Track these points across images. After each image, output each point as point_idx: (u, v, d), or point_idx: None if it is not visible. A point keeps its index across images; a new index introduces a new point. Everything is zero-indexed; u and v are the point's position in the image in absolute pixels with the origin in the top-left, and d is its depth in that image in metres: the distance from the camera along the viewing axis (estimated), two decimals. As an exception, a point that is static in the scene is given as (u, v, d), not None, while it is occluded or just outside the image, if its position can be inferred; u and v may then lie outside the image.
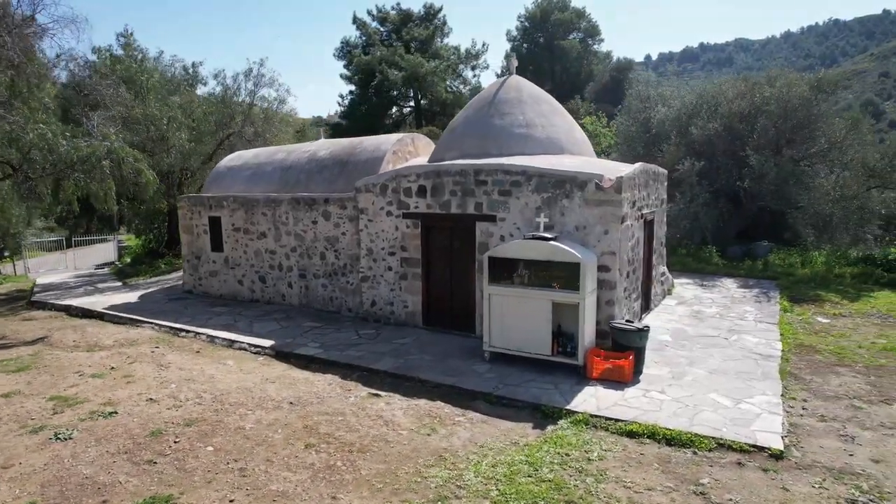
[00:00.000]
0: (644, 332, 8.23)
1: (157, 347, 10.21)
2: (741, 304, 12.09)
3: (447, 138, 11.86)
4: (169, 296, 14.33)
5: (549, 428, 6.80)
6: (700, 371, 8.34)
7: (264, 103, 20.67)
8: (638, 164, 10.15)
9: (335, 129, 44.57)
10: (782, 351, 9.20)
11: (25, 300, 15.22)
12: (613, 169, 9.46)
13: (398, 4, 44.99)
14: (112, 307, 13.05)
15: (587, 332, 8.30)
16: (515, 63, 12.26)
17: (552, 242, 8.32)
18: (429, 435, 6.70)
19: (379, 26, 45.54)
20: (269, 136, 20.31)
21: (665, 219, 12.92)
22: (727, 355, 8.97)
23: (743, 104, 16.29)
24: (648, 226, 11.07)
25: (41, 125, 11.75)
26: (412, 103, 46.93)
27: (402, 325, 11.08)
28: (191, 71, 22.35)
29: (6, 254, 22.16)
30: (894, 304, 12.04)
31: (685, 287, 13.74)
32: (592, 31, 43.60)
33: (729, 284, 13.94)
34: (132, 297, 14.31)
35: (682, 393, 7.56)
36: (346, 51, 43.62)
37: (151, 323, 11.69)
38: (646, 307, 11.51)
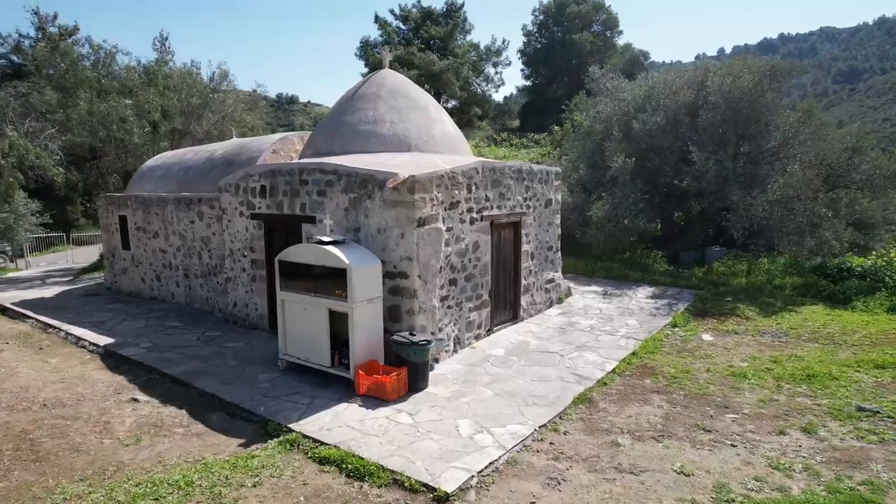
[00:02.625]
0: (419, 346, 7.55)
1: (6, 343, 10.51)
2: (628, 317, 10.96)
3: (310, 136, 11.51)
4: (87, 292, 14.81)
5: (254, 447, 6.34)
6: (488, 392, 7.57)
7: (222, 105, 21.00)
8: (471, 161, 9.37)
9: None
10: (611, 373, 8.21)
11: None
12: (428, 167, 8.74)
13: (419, 2, 44.82)
14: (20, 302, 13.62)
15: (360, 344, 7.71)
16: (389, 57, 11.72)
17: (325, 247, 7.80)
18: (128, 445, 6.42)
19: (401, 25, 45.56)
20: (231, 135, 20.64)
21: (556, 221, 11.92)
22: (542, 375, 8.10)
23: (689, 95, 14.79)
24: (502, 229, 10.21)
25: None
26: (442, 102, 46.74)
27: (253, 327, 10.85)
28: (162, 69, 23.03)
29: (7, 249, 23.73)
30: (808, 321, 10.52)
31: (586, 296, 12.65)
32: (611, 24, 41.45)
33: (641, 294, 12.69)
34: (52, 292, 14.90)
35: (433, 416, 6.87)
36: (364, 50, 43.89)
37: (34, 319, 12.08)
38: (513, 317, 10.68)
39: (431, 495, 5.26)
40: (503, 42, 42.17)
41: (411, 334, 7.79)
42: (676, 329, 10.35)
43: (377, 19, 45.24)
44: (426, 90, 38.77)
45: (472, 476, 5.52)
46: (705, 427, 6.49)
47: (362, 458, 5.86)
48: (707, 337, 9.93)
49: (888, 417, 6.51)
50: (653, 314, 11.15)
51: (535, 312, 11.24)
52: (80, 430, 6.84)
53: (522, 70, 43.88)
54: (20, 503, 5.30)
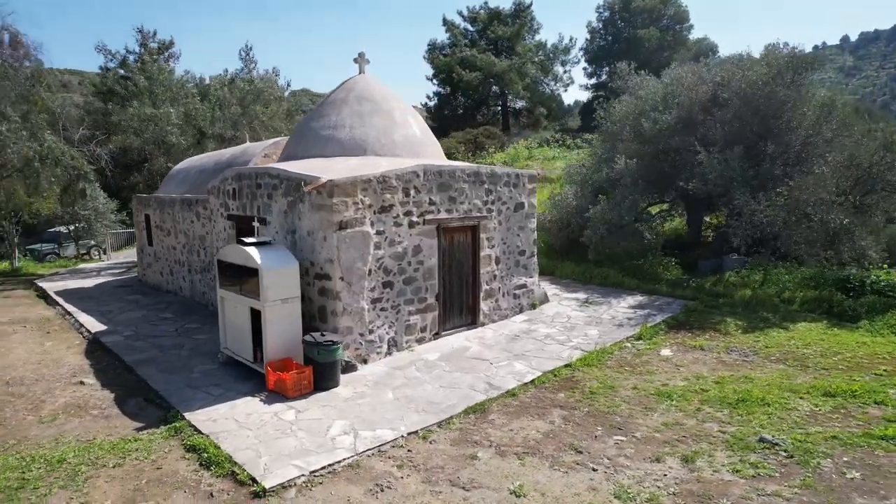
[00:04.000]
0: (324, 346, 7.72)
1: (24, 326, 11.90)
2: (593, 327, 10.47)
3: (288, 140, 12.01)
4: (120, 284, 16.35)
5: (145, 431, 6.84)
6: (389, 396, 7.63)
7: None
8: (408, 165, 9.38)
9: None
10: (528, 384, 7.96)
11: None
12: (359, 171, 8.86)
13: (486, 3, 44.73)
14: (62, 290, 15.31)
15: (273, 342, 8.02)
16: (367, 62, 11.93)
17: (246, 248, 8.19)
18: (43, 423, 7.15)
19: (469, 26, 45.71)
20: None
21: (530, 225, 11.60)
22: (456, 382, 8.02)
23: (704, 92, 13.76)
24: (454, 233, 10.12)
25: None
26: (510, 102, 46.49)
27: (230, 322, 11.51)
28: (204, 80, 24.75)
29: (93, 243, 26.53)
30: (793, 339, 9.51)
31: (564, 303, 12.18)
32: (681, 18, 38.88)
33: (624, 304, 12.03)
34: (93, 283, 16.58)
35: (316, 416, 7.05)
36: (431, 53, 44.48)
37: (61, 306, 13.55)
38: (471, 323, 10.56)
39: (253, 489, 5.43)
40: (570, 40, 41.16)
41: (321, 335, 7.99)
42: (639, 342, 9.76)
43: (445, 22, 45.70)
44: (488, 90, 38.71)
45: (302, 475, 5.63)
46: (579, 448, 6.14)
47: (219, 449, 6.15)
48: (666, 352, 9.28)
49: (784, 451, 5.83)
50: (621, 325, 10.57)
51: (499, 318, 11.02)
52: (18, 406, 7.68)
53: (585, 68, 42.51)
54: (-79, 466, 6.08)
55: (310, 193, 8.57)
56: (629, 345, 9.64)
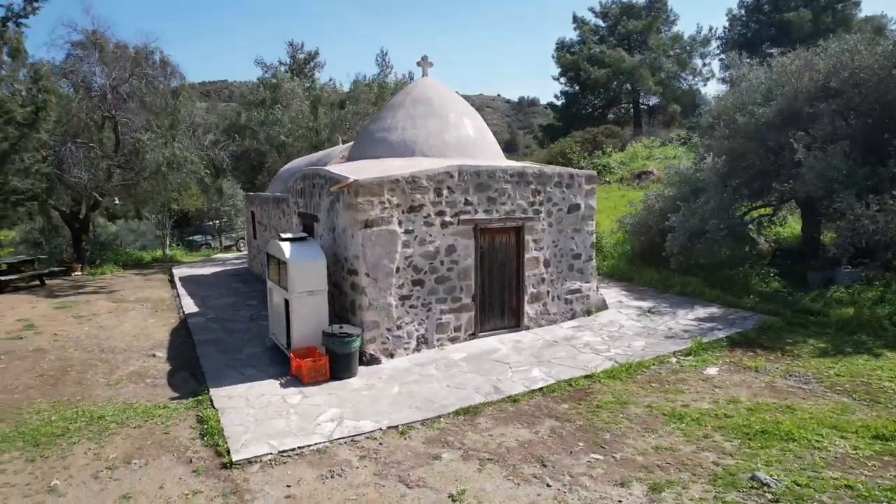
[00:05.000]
0: (339, 338, 8.14)
1: (142, 304, 13.92)
2: (641, 338, 9.74)
3: (353, 143, 12.68)
4: (232, 273, 18.35)
5: (177, 401, 7.76)
6: (394, 390, 7.83)
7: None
8: (443, 165, 9.46)
9: (547, 131, 45.22)
10: (535, 391, 7.72)
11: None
12: (388, 171, 9.15)
13: (619, -1, 42.88)
14: (185, 277, 17.60)
15: (299, 331, 8.63)
16: (430, 65, 12.19)
17: (280, 242, 8.90)
18: (108, 386, 8.39)
19: (600, 22, 44.13)
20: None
21: (588, 228, 11.06)
22: (465, 383, 8.01)
23: (809, 79, 11.99)
24: (494, 234, 10.00)
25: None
26: (642, 99, 44.25)
27: (299, 311, 12.48)
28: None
29: (241, 235, 29.90)
30: (879, 370, 8.07)
31: (624, 311, 11.41)
32: None
33: (692, 315, 10.97)
34: (212, 271, 18.79)
35: (317, 402, 7.47)
36: (559, 51, 43.61)
37: (177, 290, 15.61)
38: (515, 325, 10.39)
39: (223, 460, 5.96)
40: (710, 30, 37.91)
41: (340, 327, 8.43)
42: (687, 357, 8.92)
43: (575, 19, 44.61)
44: (619, 87, 37.08)
45: (270, 454, 6.06)
46: (546, 462, 5.86)
47: (218, 422, 6.81)
48: (711, 371, 8.38)
49: (770, 494, 5.05)
50: (674, 337, 9.70)
51: (546, 323, 10.68)
52: (99, 369, 9.09)
53: (721, 59, 38.70)
54: (5, 407, 7.50)
55: (343, 193, 9.05)
56: (673, 359, 8.85)
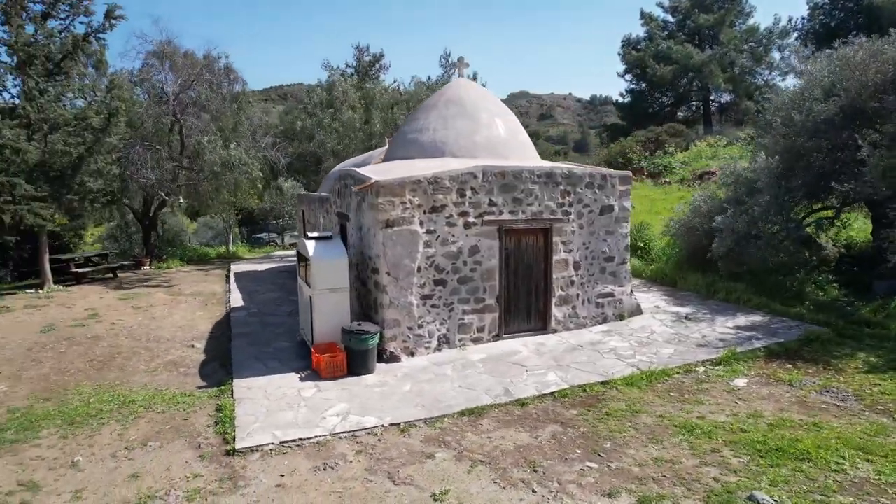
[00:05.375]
0: (355, 335, 8.33)
1: (195, 297, 14.75)
2: (671, 345, 9.35)
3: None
4: (284, 269, 19.07)
5: (203, 390, 8.21)
6: (405, 388, 7.93)
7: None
8: (467, 166, 9.45)
9: (611, 130, 44.05)
10: (546, 395, 7.60)
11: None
12: (412, 172, 9.24)
13: (689, -10, 41.04)
14: (241, 272, 18.48)
15: (321, 327, 8.90)
16: (466, 67, 12.21)
17: (306, 241, 9.21)
18: (146, 373, 8.99)
19: (669, 17, 42.47)
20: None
21: (622, 230, 10.72)
22: (476, 384, 7.98)
23: (874, 73, 11.02)
24: (521, 235, 9.89)
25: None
26: (713, 97, 42.28)
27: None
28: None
29: (295, 234, 31.18)
30: (928, 389, 7.38)
31: (659, 317, 10.95)
32: None
33: (731, 323, 10.40)
34: (266, 267, 19.61)
35: (329, 396, 7.67)
36: (625, 48, 42.33)
37: (229, 285, 16.42)
38: (541, 328, 10.25)
39: (228, 447, 6.26)
40: (790, 21, 35.59)
41: (358, 325, 8.62)
42: (716, 367, 8.48)
43: (643, 15, 43.13)
44: (688, 84, 35.52)
45: (272, 444, 6.30)
46: (537, 467, 5.77)
47: (233, 412, 7.14)
48: (740, 382, 7.92)
49: (765, 514, 4.74)
50: (706, 346, 9.24)
51: (575, 326, 10.45)
52: (142, 357, 9.74)
53: (798, 52, 36.08)
54: (55, 388, 8.19)
55: (366, 193, 9.25)
56: (701, 369, 8.44)
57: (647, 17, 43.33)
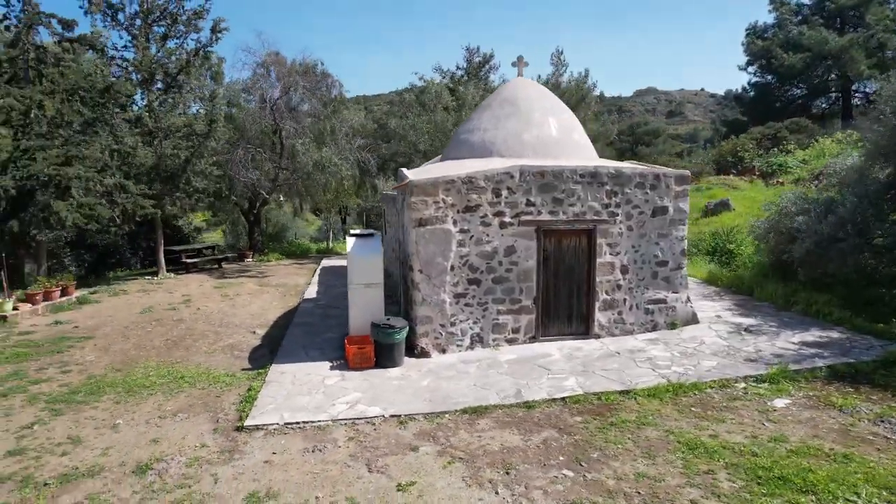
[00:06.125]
0: (382, 329, 8.67)
1: (278, 288, 15.99)
2: (717, 358, 8.64)
3: (450, 145, 13.10)
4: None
5: (244, 371, 9.00)
6: (423, 384, 8.11)
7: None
8: (504, 166, 9.41)
9: (731, 126, 40.90)
10: (556, 400, 7.43)
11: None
12: (449, 172, 9.38)
13: (829, -31, 36.88)
14: (327, 266, 19.67)
15: (356, 320, 9.38)
16: (524, 65, 12.09)
17: (348, 237, 9.72)
18: (206, 353, 10.00)
19: (804, 0, 38.47)
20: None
21: (678, 234, 10.07)
22: (492, 384, 8.00)
23: None
24: (562, 236, 9.66)
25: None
26: (857, 86, 37.75)
27: (395, 303, 13.33)
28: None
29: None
30: None
31: (716, 327, 10.10)
32: None
33: (793, 338, 9.37)
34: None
35: (348, 385, 8.07)
36: (750, 37, 38.95)
37: (313, 278, 17.57)
38: (584, 332, 9.96)
39: (238, 424, 6.86)
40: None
41: (387, 319, 8.95)
42: (759, 384, 7.74)
43: (772, 0, 39.48)
44: (825, 74, 32.16)
45: (277, 424, 6.80)
46: (512, 470, 5.70)
47: (257, 393, 7.78)
48: (781, 403, 7.18)
49: (725, 543, 4.34)
50: (756, 360, 8.42)
51: (620, 333, 10.00)
52: (209, 339, 10.83)
53: None
54: (130, 361, 9.39)
55: (403, 192, 9.55)
56: (741, 385, 7.75)
57: (777, 2, 39.61)
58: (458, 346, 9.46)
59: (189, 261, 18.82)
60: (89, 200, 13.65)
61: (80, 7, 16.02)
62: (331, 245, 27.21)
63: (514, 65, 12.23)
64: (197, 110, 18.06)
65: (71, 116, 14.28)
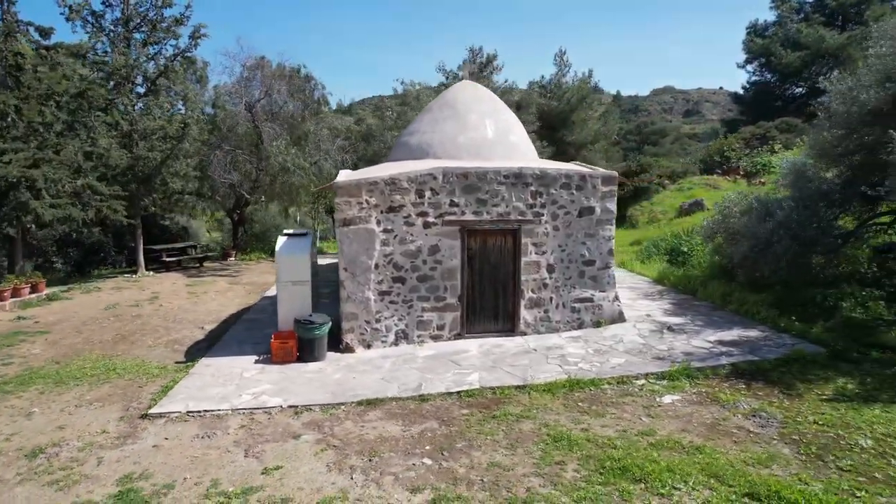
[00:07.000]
0: (302, 325, 9.03)
1: (245, 287, 16.45)
2: (624, 357, 8.83)
3: (401, 147, 13.40)
4: (345, 264, 20.36)
5: (176, 363, 9.41)
6: (335, 377, 8.45)
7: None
8: (425, 167, 9.69)
9: (729, 126, 40.56)
10: (451, 392, 7.70)
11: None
12: (372, 174, 9.69)
13: (828, -34, 36.42)
14: (323, 265, 20.06)
15: (283, 316, 9.74)
16: (469, 69, 12.35)
17: (280, 236, 10.09)
18: (148, 347, 10.46)
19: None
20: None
21: (605, 233, 10.25)
22: (397, 378, 8.30)
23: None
24: (486, 236, 9.91)
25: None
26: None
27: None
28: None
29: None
30: (875, 424, 6.35)
31: (641, 325, 10.25)
32: None
33: (711, 337, 9.52)
34: (329, 262, 21.04)
35: (263, 378, 8.42)
36: (750, 36, 38.60)
37: (286, 275, 17.96)
38: (509, 330, 10.21)
39: (144, 412, 7.26)
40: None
41: (309, 316, 9.30)
42: (658, 381, 7.92)
43: (772, -2, 39.08)
44: (815, 73, 31.88)
45: (179, 412, 7.19)
46: (375, 457, 5.99)
47: (175, 384, 8.18)
48: (668, 399, 7.36)
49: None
50: (665, 359, 8.58)
51: (546, 330, 10.22)
52: (157, 335, 11.28)
53: None
54: (73, 354, 9.87)
55: (332, 193, 9.88)
56: (640, 381, 7.95)
57: (778, 0, 39.21)
58: (382, 342, 9.77)
59: (169, 259, 19.40)
60: (59, 202, 14.22)
61: (61, 13, 16.66)
62: (318, 245, 27.67)
63: (459, 69, 12.50)
64: (172, 114, 18.55)
65: (47, 120, 14.88)
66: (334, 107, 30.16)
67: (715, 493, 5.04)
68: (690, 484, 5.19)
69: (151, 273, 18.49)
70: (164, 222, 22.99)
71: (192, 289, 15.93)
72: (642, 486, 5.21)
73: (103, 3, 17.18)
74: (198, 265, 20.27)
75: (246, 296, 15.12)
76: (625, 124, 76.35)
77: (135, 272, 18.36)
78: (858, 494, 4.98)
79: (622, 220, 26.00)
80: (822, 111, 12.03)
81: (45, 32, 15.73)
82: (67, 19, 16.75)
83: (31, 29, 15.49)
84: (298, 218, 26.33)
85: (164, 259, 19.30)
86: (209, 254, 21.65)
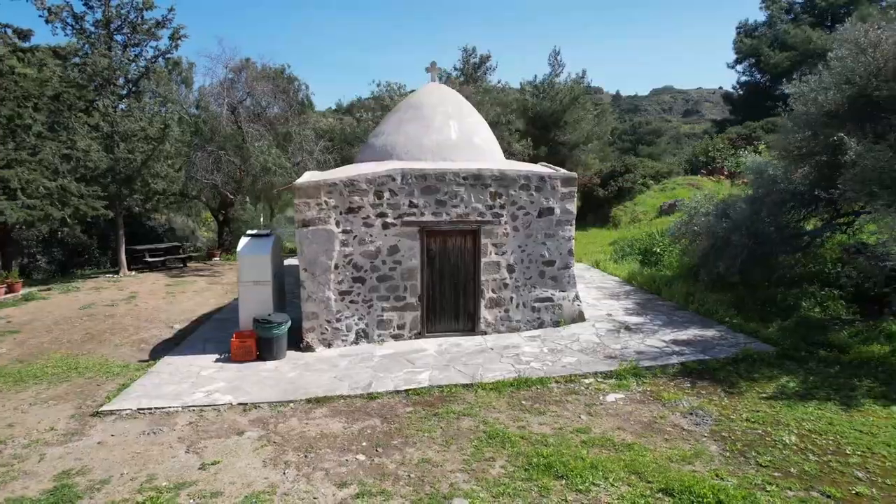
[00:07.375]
0: (260, 324, 9.16)
1: (223, 286, 16.59)
2: (576, 356, 8.95)
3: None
4: (326, 264, 20.51)
5: (141, 362, 9.55)
6: (290, 375, 8.56)
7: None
8: (384, 168, 9.81)
9: (720, 126, 40.67)
10: (399, 391, 7.83)
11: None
12: (333, 175, 9.83)
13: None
14: (288, 265, 20.18)
15: (245, 316, 9.86)
16: (437, 71, 12.47)
17: (243, 237, 10.22)
18: (115, 346, 10.60)
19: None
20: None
21: (565, 234, 10.37)
22: (349, 376, 8.43)
23: (886, 53, 9.39)
24: (446, 237, 10.03)
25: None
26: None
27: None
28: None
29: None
30: (803, 421, 6.47)
31: (600, 325, 10.37)
32: None
33: (666, 336, 9.59)
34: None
35: (218, 377, 8.55)
36: (739, 36, 38.70)
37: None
38: (469, 329, 10.33)
39: (97, 408, 7.39)
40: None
41: (269, 315, 9.43)
42: (606, 380, 8.05)
43: (762, -2, 39.17)
44: (802, 72, 32.01)
45: (130, 409, 7.32)
46: (311, 453, 6.12)
47: (132, 383, 8.32)
48: (611, 397, 7.48)
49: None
50: (617, 358, 8.70)
51: (507, 330, 10.34)
52: (123, 334, 11.41)
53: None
54: (39, 353, 10.01)
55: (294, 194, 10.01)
56: (587, 380, 8.07)
57: (769, 1, 39.30)
58: (343, 341, 9.90)
59: (153, 260, 19.54)
60: (34, 203, 14.36)
61: (41, 16, 16.80)
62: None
63: (427, 70, 12.61)
64: (153, 115, 18.71)
65: (25, 121, 15.02)
66: (334, 107, 30.29)
67: (631, 489, 5.16)
68: (610, 480, 5.31)
69: (133, 273, 18.63)
70: (149, 223, 23.13)
71: (170, 289, 16.07)
72: (563, 482, 5.33)
73: (84, 4, 17.31)
74: (181, 265, 20.40)
75: (223, 295, 15.25)
76: (620, 124, 76.38)
77: (117, 272, 18.50)
78: (769, 489, 5.10)
79: (605, 220, 26.16)
80: (786, 112, 12.19)
81: (24, 35, 15.86)
82: (47, 21, 16.89)
83: (9, 31, 15.61)
84: (274, 219, 26.46)
85: (146, 259, 19.44)
86: (193, 254, 21.77)
